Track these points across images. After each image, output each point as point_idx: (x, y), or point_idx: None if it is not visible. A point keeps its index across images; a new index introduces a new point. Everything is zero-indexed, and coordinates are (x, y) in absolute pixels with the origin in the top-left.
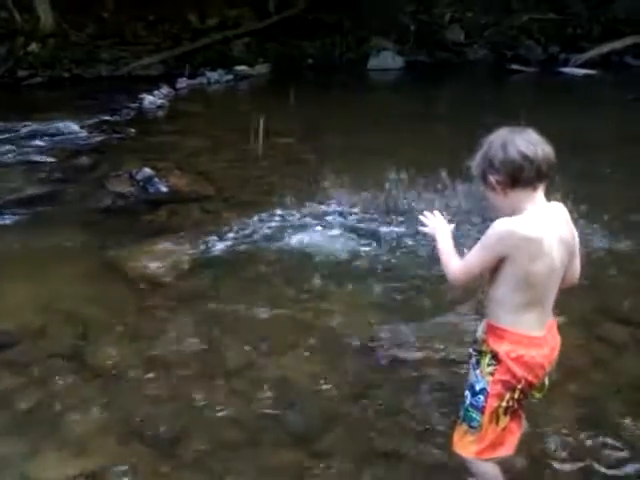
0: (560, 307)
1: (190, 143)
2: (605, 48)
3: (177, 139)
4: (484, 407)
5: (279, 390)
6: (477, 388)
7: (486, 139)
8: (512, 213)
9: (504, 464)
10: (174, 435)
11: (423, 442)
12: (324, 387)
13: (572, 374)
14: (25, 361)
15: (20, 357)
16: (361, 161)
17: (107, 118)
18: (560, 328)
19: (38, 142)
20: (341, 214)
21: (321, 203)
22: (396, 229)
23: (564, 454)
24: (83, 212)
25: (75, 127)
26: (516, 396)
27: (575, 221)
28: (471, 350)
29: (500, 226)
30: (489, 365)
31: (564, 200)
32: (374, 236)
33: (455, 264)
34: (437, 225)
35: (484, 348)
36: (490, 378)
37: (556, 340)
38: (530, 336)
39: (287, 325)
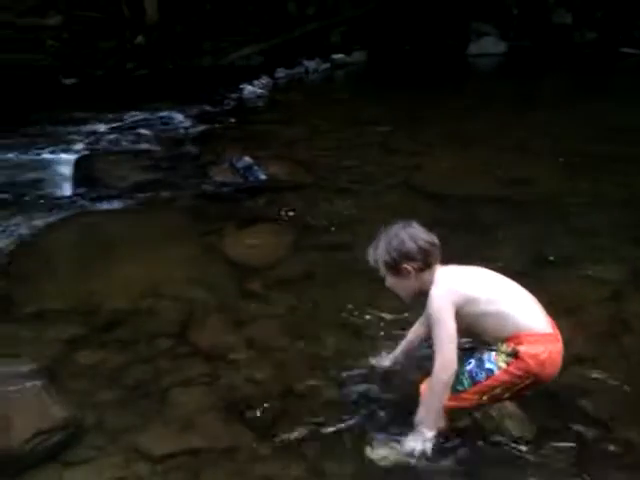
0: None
1: (288, 132)
2: None
3: (276, 128)
4: (479, 382)
5: (377, 380)
6: (485, 366)
7: (384, 235)
8: (419, 291)
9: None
10: (273, 418)
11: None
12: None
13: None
14: (133, 339)
15: (129, 335)
16: (462, 149)
17: (209, 108)
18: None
19: (144, 131)
20: (441, 202)
21: (418, 191)
22: (498, 214)
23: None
24: (186, 198)
25: (179, 117)
26: (516, 389)
27: None
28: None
29: (437, 294)
30: (508, 355)
31: None
32: (473, 222)
33: (438, 372)
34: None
35: (503, 349)
36: (503, 366)
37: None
38: (544, 333)
39: (385, 313)
